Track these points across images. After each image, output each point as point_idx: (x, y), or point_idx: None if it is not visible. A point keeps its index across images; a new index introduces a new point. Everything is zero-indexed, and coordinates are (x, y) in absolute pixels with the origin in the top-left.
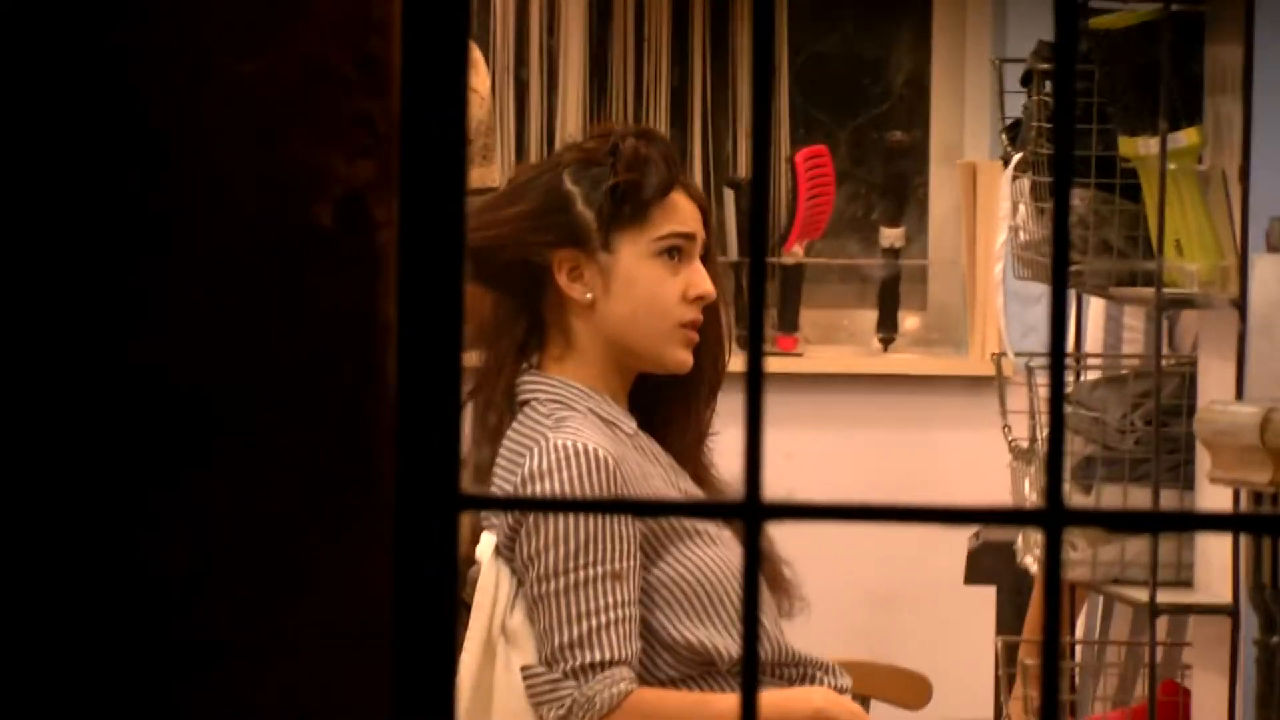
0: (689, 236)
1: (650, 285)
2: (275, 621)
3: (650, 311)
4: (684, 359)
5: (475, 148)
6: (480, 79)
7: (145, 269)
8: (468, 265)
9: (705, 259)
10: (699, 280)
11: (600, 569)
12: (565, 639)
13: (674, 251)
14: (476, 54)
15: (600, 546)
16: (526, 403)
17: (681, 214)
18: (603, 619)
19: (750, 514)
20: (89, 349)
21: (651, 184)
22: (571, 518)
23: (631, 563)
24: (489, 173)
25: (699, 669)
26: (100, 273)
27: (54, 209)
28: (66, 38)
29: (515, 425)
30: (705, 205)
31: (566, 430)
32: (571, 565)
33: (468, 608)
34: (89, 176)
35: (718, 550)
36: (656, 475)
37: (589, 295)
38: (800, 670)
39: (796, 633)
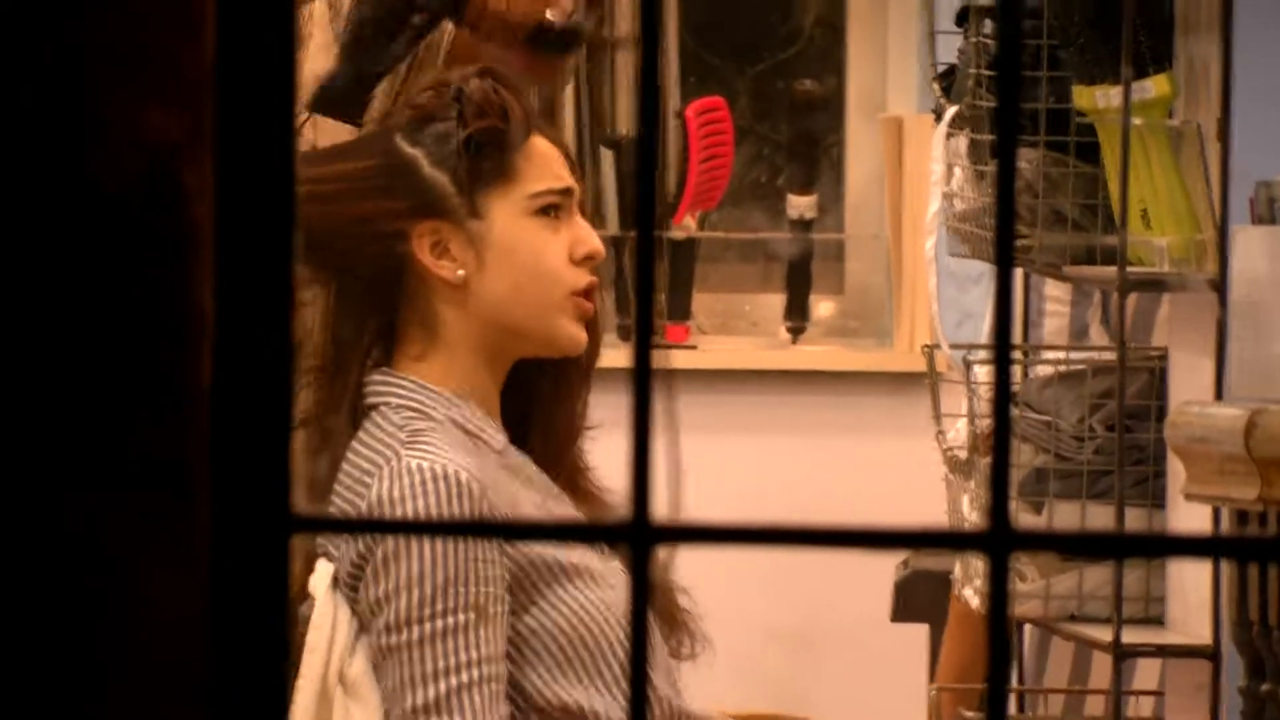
0: (566, 191)
1: (532, 250)
2: (72, 662)
3: (537, 280)
4: (578, 336)
5: None
6: None
7: None
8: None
9: (581, 212)
10: (584, 236)
11: (462, 617)
12: (419, 701)
13: (551, 209)
14: None
15: (462, 590)
16: (375, 408)
17: (550, 163)
18: (464, 677)
19: (638, 536)
20: None
21: (513, 130)
22: (429, 556)
23: (500, 608)
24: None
25: None
26: None
27: None
28: None
29: (361, 436)
30: (566, 148)
31: (422, 448)
32: (428, 613)
33: (299, 650)
34: None
35: (600, 593)
36: (527, 500)
37: (460, 273)
38: None
39: (692, 680)
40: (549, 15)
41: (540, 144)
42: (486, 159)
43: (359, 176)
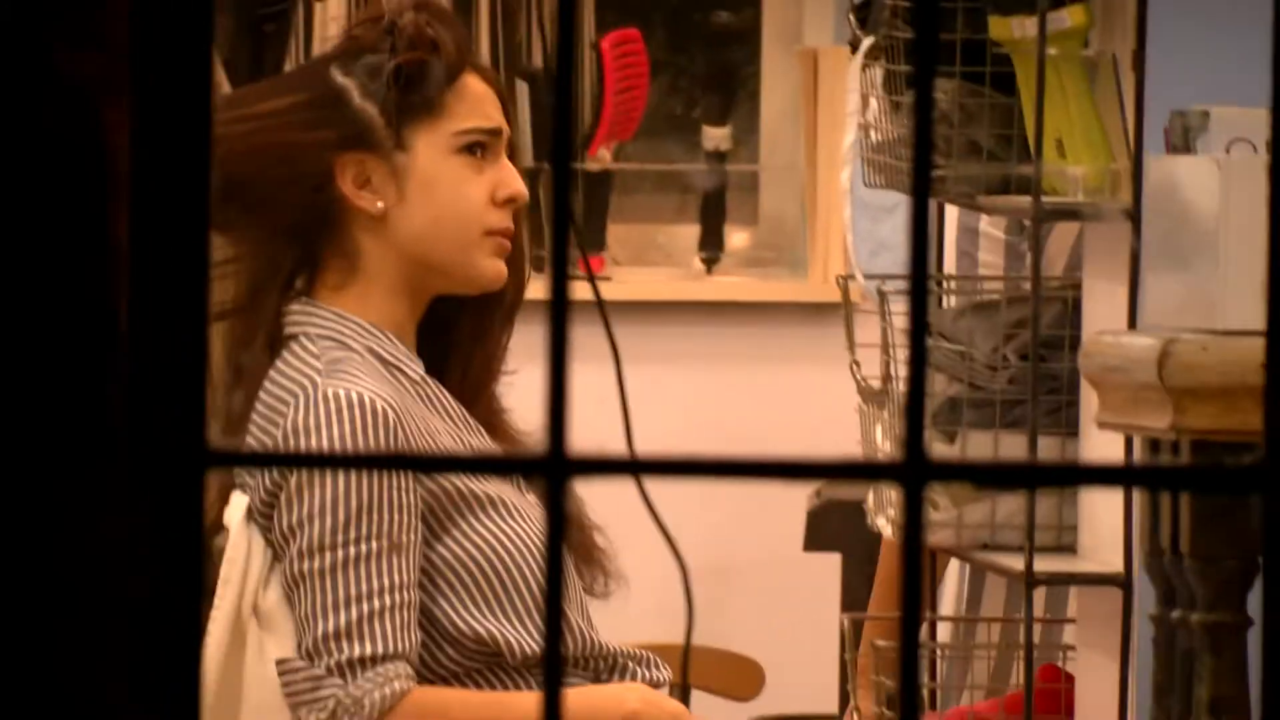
0: (494, 131)
1: (453, 186)
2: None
3: (455, 217)
4: (498, 271)
5: None
6: None
7: None
8: (222, 172)
9: (510, 155)
10: (508, 179)
11: (374, 545)
12: (329, 628)
13: (477, 148)
14: None
15: (375, 517)
16: (294, 338)
17: (481, 103)
18: (375, 604)
19: (554, 469)
20: None
21: (442, 65)
22: (342, 484)
23: (413, 536)
24: None
25: (485, 663)
26: None
27: None
28: None
29: (279, 365)
30: (502, 90)
31: (340, 377)
32: (340, 540)
33: (213, 582)
34: None
35: (514, 524)
36: (444, 431)
37: (380, 204)
38: (610, 661)
39: (607, 612)
40: None
41: (473, 82)
42: (414, 92)
43: (290, 110)
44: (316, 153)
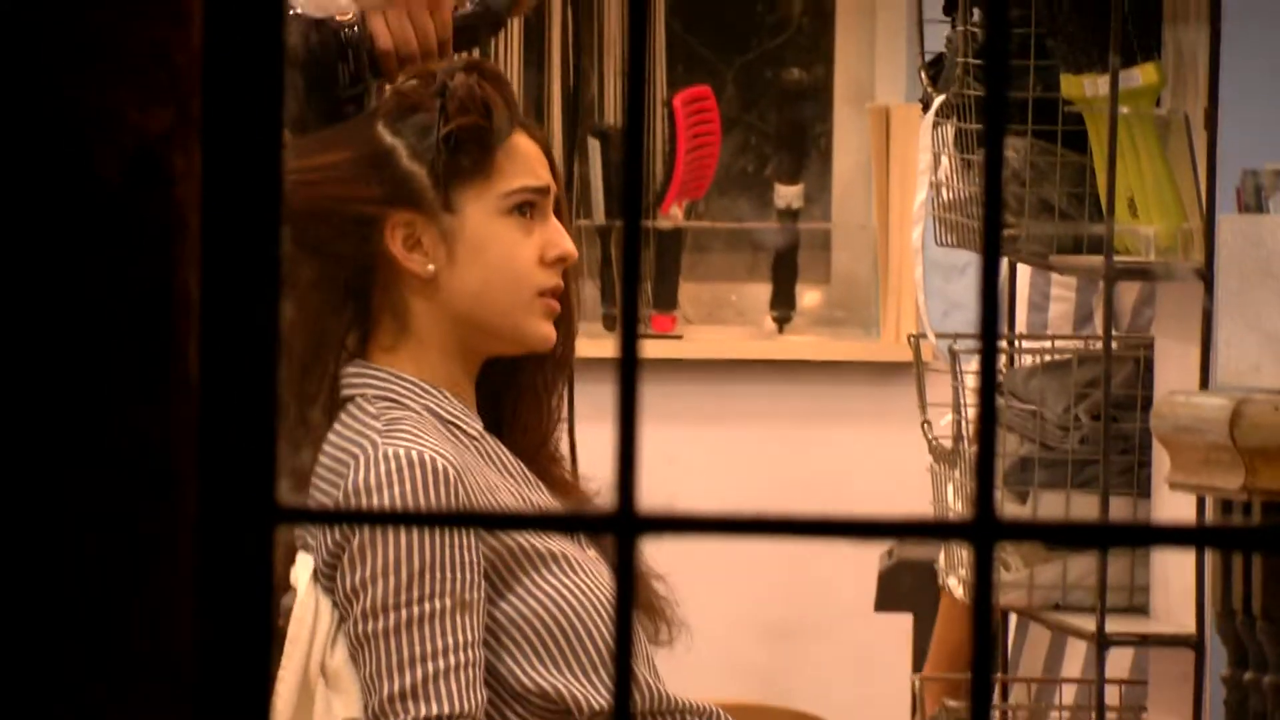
0: (542, 190)
1: (503, 249)
2: (56, 659)
3: (506, 280)
4: (547, 333)
5: None
6: None
7: None
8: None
9: (557, 213)
10: (557, 239)
11: (438, 604)
12: (395, 689)
13: (525, 208)
14: None
15: (439, 576)
16: (350, 400)
17: (529, 162)
18: (441, 664)
19: (624, 526)
20: None
21: (494, 127)
22: (404, 543)
23: (477, 594)
24: None
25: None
26: None
27: None
28: None
29: (336, 427)
30: (549, 148)
31: (399, 436)
32: (403, 599)
33: (281, 641)
34: None
35: (577, 579)
36: (504, 488)
37: (430, 266)
38: (677, 718)
39: (675, 670)
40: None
41: (522, 141)
42: (465, 155)
43: (339, 165)
44: (364, 208)
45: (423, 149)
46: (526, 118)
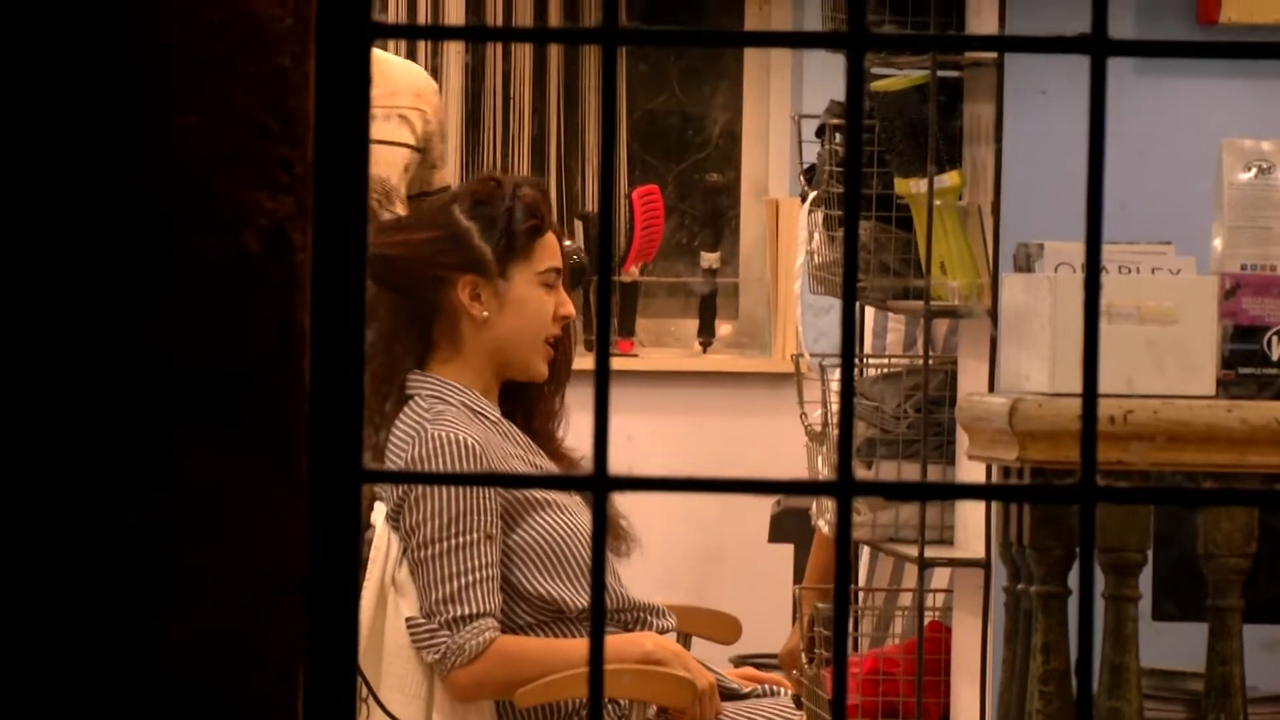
0: (558, 270)
1: (534, 307)
2: (213, 568)
3: (532, 327)
4: (543, 369)
5: (432, 156)
6: (428, 102)
7: (123, 279)
8: (379, 270)
9: (565, 286)
10: (565, 303)
11: (468, 537)
12: (440, 595)
13: (549, 283)
14: (427, 84)
15: (468, 518)
16: (412, 397)
17: (554, 249)
18: (470, 578)
19: (598, 485)
20: (84, 337)
21: (543, 225)
22: (444, 495)
23: (495, 531)
24: (441, 176)
25: (550, 617)
26: (87, 280)
27: (57, 224)
28: (54, 100)
29: (402, 416)
30: (562, 239)
31: (442, 423)
32: (444, 534)
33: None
34: (84, 198)
35: (567, 517)
36: (516, 455)
37: (485, 313)
38: (634, 615)
39: (635, 579)
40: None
41: (550, 236)
42: (519, 242)
43: (428, 242)
44: (443, 270)
45: (490, 233)
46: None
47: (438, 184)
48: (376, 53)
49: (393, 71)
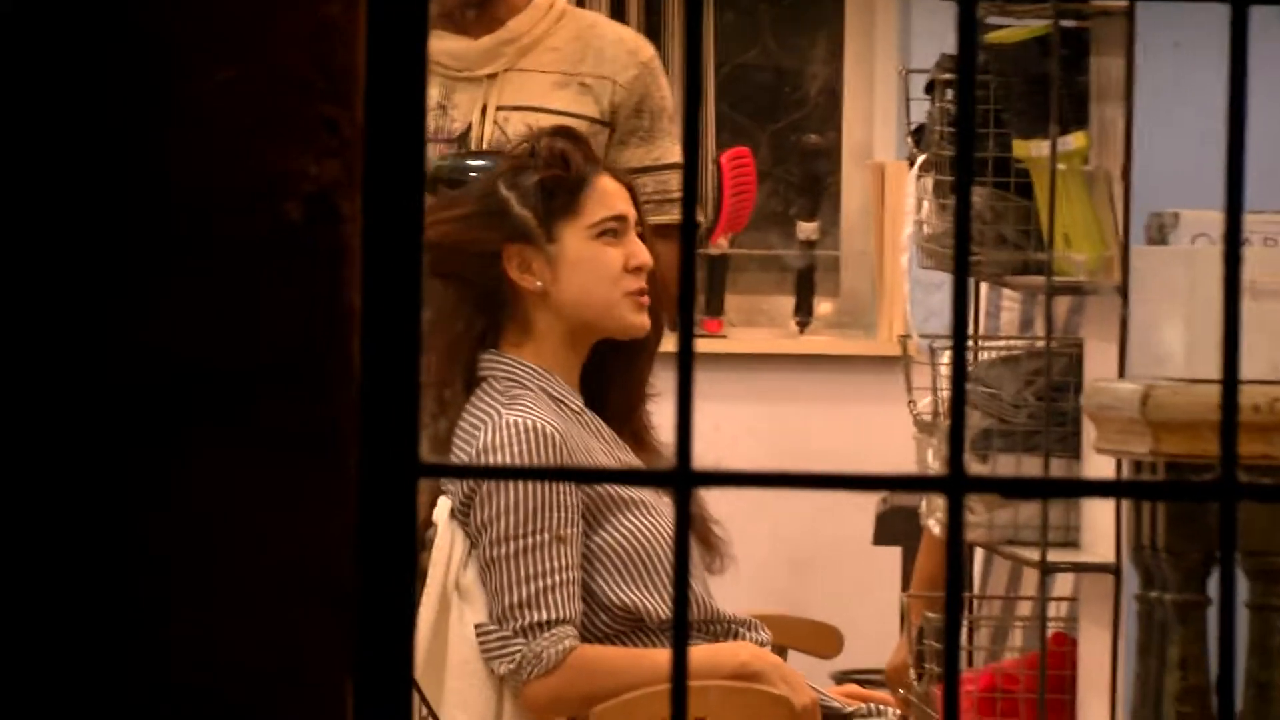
0: (620, 218)
1: (594, 263)
2: (250, 576)
3: (599, 286)
4: (641, 321)
5: (622, 132)
6: (624, 71)
7: (143, 258)
8: (426, 258)
9: (642, 236)
10: (637, 251)
11: (546, 535)
12: (515, 599)
13: (609, 233)
14: (628, 53)
15: (546, 514)
16: (484, 379)
17: (610, 198)
18: (548, 581)
19: (681, 481)
20: (95, 330)
21: (573, 175)
22: (521, 488)
23: (574, 530)
24: (649, 154)
25: (629, 627)
26: (103, 261)
27: (61, 207)
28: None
29: (472, 400)
30: (633, 186)
31: (518, 408)
32: (520, 532)
33: (425, 566)
34: (91, 174)
35: (653, 519)
36: (598, 449)
37: (539, 284)
38: (725, 627)
39: (722, 589)
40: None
41: (605, 182)
42: (556, 197)
43: (469, 216)
44: (488, 244)
45: (528, 198)
46: (612, 165)
47: (644, 162)
48: (575, 11)
49: (590, 34)
